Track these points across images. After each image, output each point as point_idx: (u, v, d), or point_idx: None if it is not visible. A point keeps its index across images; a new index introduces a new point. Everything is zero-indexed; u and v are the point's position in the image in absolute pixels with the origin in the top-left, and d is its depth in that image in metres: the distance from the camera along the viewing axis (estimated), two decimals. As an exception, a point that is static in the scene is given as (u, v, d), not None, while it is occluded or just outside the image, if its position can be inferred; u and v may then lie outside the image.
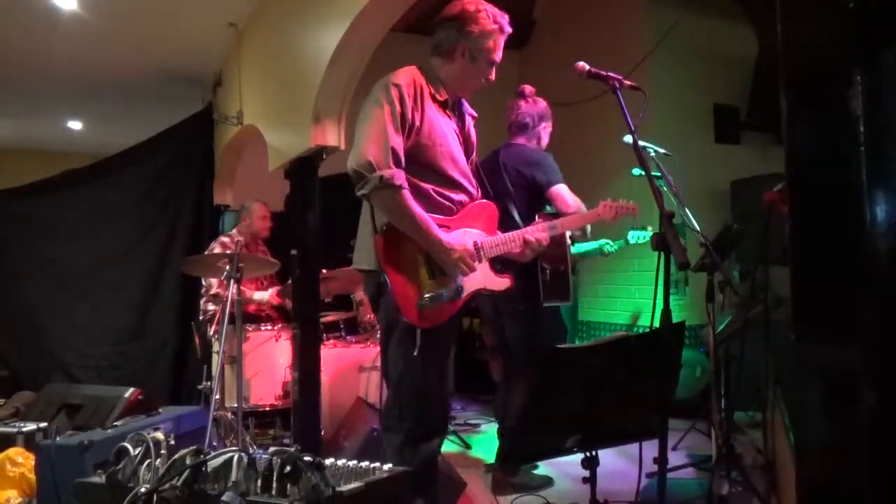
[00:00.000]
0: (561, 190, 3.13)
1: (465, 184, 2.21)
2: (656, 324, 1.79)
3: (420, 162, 2.08)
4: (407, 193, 1.98)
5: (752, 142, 5.44)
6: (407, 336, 2.04)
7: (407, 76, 2.10)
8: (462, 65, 2.19)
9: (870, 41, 1.14)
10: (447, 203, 2.15)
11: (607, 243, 3.60)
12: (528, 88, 3.36)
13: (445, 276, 2.08)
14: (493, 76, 2.25)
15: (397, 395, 2.13)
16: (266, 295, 4.37)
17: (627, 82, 2.06)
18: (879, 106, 1.12)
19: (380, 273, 2.01)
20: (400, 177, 1.97)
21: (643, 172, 2.00)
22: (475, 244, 2.16)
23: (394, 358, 2.12)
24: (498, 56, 2.21)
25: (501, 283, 2.26)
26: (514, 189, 3.16)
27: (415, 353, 2.01)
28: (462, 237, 2.13)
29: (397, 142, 2.00)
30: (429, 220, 2.03)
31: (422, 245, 2.03)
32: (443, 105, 2.19)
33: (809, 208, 1.24)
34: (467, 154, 2.28)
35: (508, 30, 2.22)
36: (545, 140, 3.35)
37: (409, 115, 2.05)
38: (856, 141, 1.13)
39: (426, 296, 2.03)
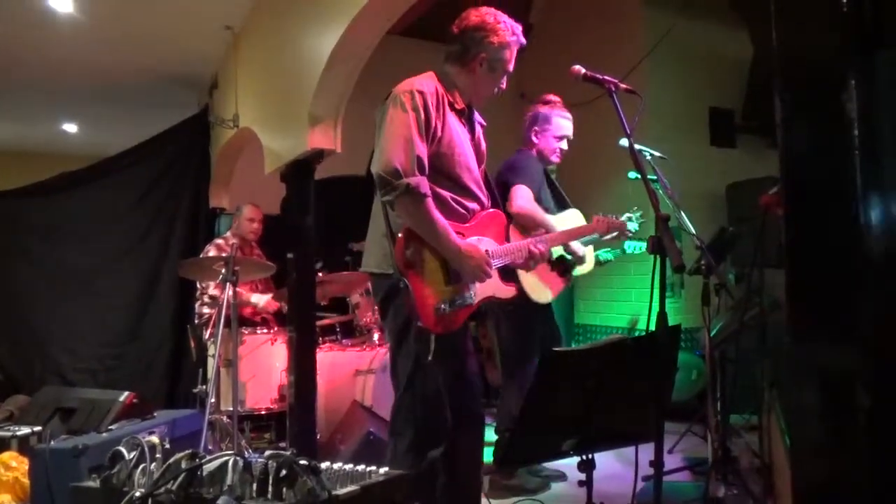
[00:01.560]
0: (515, 190, 3.08)
1: (478, 192, 2.25)
2: (652, 327, 1.79)
3: (439, 170, 2.11)
4: (430, 202, 2.01)
5: (747, 145, 5.46)
6: (420, 341, 2.04)
7: (430, 84, 2.12)
8: (480, 74, 2.21)
9: (864, 44, 1.14)
10: (462, 210, 2.18)
11: (603, 251, 3.60)
12: (549, 97, 3.33)
13: (461, 282, 2.11)
14: (504, 85, 2.28)
15: (405, 400, 2.13)
16: (262, 300, 4.34)
17: (623, 86, 2.07)
18: (874, 109, 1.12)
19: (397, 277, 2.02)
20: (425, 185, 2.00)
21: (639, 176, 2.01)
22: (487, 252, 2.18)
23: (404, 362, 2.12)
24: (512, 66, 2.24)
25: (508, 290, 2.29)
26: (500, 195, 3.17)
27: (429, 359, 2.01)
28: (476, 245, 2.15)
29: (422, 150, 2.03)
30: (449, 227, 2.05)
31: (441, 252, 2.06)
32: (460, 113, 2.22)
33: (805, 211, 1.24)
34: (479, 163, 2.31)
35: (523, 41, 2.25)
36: (542, 143, 3.29)
37: (433, 123, 2.08)
38: (850, 143, 1.13)
39: (443, 302, 2.05)
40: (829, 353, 1.20)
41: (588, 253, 3.33)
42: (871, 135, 1.12)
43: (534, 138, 3.30)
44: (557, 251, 3.22)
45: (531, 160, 3.25)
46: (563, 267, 3.25)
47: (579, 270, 3.34)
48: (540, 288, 3.19)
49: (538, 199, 3.17)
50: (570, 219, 3.30)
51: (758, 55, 5.19)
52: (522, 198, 3.06)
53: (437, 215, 2.03)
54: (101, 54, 5.19)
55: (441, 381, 2.09)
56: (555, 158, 3.35)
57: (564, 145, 3.34)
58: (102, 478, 1.57)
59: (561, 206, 3.38)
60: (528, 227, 2.90)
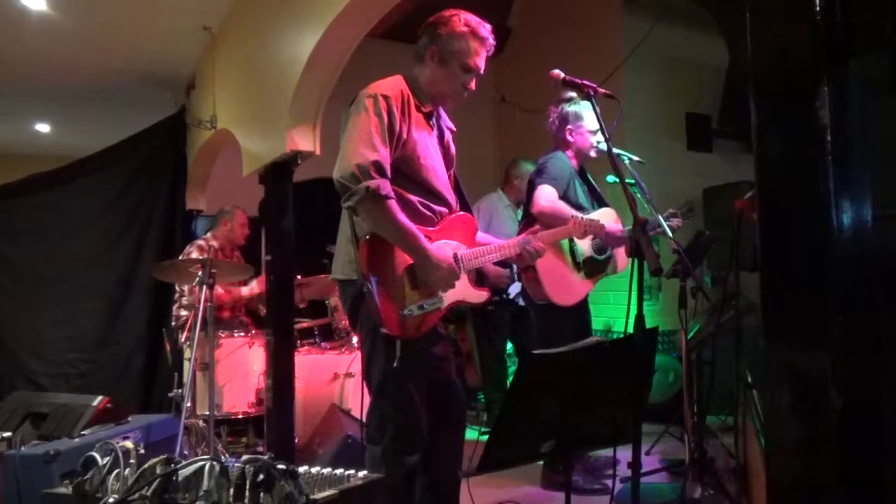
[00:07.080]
0: (539, 190, 3.06)
1: (447, 196, 2.23)
2: (630, 329, 1.80)
3: (405, 173, 2.09)
4: (394, 203, 1.98)
5: (723, 150, 5.54)
6: (386, 347, 2.03)
7: (395, 87, 2.09)
8: (433, 68, 2.17)
9: (836, 52, 1.17)
10: (430, 214, 2.16)
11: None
12: (569, 94, 3.17)
13: (427, 287, 2.08)
14: (472, 85, 2.22)
15: (378, 407, 2.11)
16: (254, 285, 4.32)
17: (602, 90, 2.08)
18: (846, 115, 1.15)
19: (361, 282, 2.00)
20: (386, 187, 1.96)
21: (618, 180, 2.02)
22: (455, 255, 2.17)
23: (375, 369, 2.10)
24: (473, 62, 2.18)
25: (479, 295, 2.26)
26: (529, 198, 3.15)
27: (394, 365, 1.99)
28: (443, 248, 2.13)
29: (384, 154, 2.00)
30: (417, 232, 2.02)
31: (409, 256, 2.03)
32: (427, 117, 2.19)
33: (778, 215, 1.26)
34: (447, 167, 2.29)
35: (484, 35, 2.18)
36: (580, 141, 3.16)
37: (397, 128, 2.05)
38: (823, 149, 1.16)
39: (409, 307, 2.02)
40: (803, 354, 1.22)
41: (619, 252, 3.23)
42: (843, 140, 1.15)
43: (569, 137, 3.19)
44: (585, 252, 3.12)
45: (556, 159, 3.18)
46: (590, 268, 3.14)
47: (613, 270, 3.23)
48: (562, 290, 3.09)
49: (565, 197, 3.09)
50: (604, 217, 3.11)
51: (734, 61, 5.27)
52: (544, 198, 3.02)
53: (402, 218, 1.99)
54: (75, 53, 5.11)
55: (413, 387, 2.07)
56: (593, 154, 3.21)
57: (600, 137, 3.14)
58: (75, 484, 1.54)
59: (599, 203, 3.31)
60: (555, 225, 2.75)
